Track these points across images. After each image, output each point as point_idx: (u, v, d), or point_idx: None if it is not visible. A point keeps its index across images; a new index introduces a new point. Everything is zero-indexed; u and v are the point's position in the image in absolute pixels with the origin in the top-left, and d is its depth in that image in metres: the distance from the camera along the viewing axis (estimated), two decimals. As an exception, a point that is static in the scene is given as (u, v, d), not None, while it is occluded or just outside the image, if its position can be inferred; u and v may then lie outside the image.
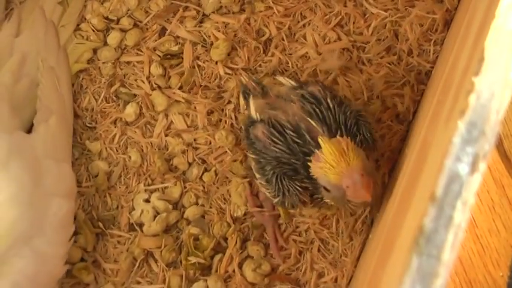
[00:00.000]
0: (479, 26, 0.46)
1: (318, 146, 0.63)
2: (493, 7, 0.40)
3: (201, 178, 0.79)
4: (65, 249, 0.73)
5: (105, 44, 0.84)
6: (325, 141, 0.62)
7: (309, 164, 0.63)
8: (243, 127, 0.73)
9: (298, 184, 0.66)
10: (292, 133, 0.66)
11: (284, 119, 0.67)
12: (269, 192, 0.70)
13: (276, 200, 0.70)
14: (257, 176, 0.70)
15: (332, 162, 0.61)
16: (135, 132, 0.81)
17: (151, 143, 0.80)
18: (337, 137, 0.63)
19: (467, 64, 0.44)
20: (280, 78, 0.73)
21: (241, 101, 0.77)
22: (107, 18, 0.85)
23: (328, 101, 0.67)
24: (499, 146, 0.77)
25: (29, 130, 0.76)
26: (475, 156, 0.36)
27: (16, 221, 0.68)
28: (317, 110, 0.66)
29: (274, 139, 0.67)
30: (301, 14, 0.83)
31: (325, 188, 0.63)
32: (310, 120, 0.66)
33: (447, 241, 0.35)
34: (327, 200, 0.66)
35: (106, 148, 0.81)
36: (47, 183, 0.71)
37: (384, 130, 0.78)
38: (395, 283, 0.35)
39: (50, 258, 0.70)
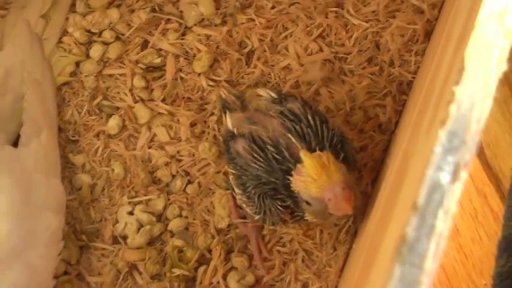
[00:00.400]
0: (459, 36, 0.46)
1: (297, 163, 0.63)
2: (472, 17, 0.40)
3: (184, 190, 0.79)
4: (55, 264, 0.73)
5: (88, 57, 0.84)
6: (307, 155, 0.62)
7: (289, 180, 0.64)
8: (222, 140, 0.73)
9: (280, 204, 0.67)
10: (272, 149, 0.66)
11: (264, 135, 0.67)
12: (250, 209, 0.70)
13: (257, 217, 0.70)
14: (237, 191, 0.70)
15: (314, 176, 0.61)
16: (118, 145, 0.81)
17: (134, 156, 0.80)
18: (317, 151, 0.63)
19: (448, 74, 0.44)
20: (260, 91, 0.73)
21: (224, 113, 0.77)
22: (89, 31, 0.84)
23: (309, 118, 0.67)
24: (481, 154, 0.78)
25: (15, 142, 0.76)
26: (456, 165, 0.36)
27: (8, 235, 0.67)
28: (297, 126, 0.66)
29: (256, 155, 0.67)
30: (283, 25, 0.83)
31: (306, 202, 0.63)
32: (289, 135, 0.66)
33: (429, 250, 0.35)
34: (307, 218, 0.67)
35: (89, 161, 0.81)
36: (37, 198, 0.71)
37: (367, 140, 0.78)
38: (378, 292, 0.36)
39: (40, 272, 0.70)
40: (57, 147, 0.78)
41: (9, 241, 0.67)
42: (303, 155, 0.62)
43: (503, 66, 0.37)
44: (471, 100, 0.37)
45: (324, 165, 0.61)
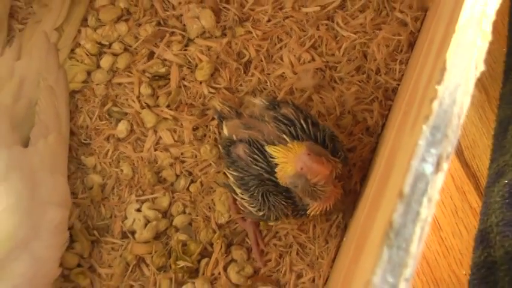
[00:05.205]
0: (440, 41, 0.46)
1: None
2: (453, 23, 0.41)
3: (187, 189, 0.79)
4: (60, 253, 0.72)
5: (98, 67, 0.84)
6: (270, 147, 0.64)
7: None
8: (221, 147, 0.73)
9: (284, 199, 0.67)
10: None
11: (261, 138, 0.67)
12: (253, 207, 0.69)
13: (260, 214, 0.69)
14: (238, 191, 0.70)
15: (283, 159, 0.63)
16: (127, 147, 0.81)
17: (141, 157, 0.80)
18: None
19: (430, 75, 0.44)
20: (254, 99, 0.73)
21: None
22: (99, 43, 0.84)
23: (302, 122, 0.67)
24: (460, 155, 0.78)
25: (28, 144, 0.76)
26: (438, 156, 0.36)
27: (15, 228, 0.67)
28: (291, 129, 0.67)
29: (256, 156, 0.67)
30: (278, 37, 0.83)
31: (292, 185, 0.63)
32: (285, 137, 0.66)
33: (415, 234, 0.35)
34: (309, 212, 0.67)
35: (100, 162, 0.81)
36: (42, 193, 0.71)
37: (355, 142, 0.79)
38: (367, 274, 0.36)
39: (46, 261, 0.70)
40: (66, 148, 0.78)
41: (17, 233, 0.67)
42: (268, 148, 0.64)
43: (481, 67, 0.38)
44: (452, 97, 0.37)
45: (288, 148, 0.63)
